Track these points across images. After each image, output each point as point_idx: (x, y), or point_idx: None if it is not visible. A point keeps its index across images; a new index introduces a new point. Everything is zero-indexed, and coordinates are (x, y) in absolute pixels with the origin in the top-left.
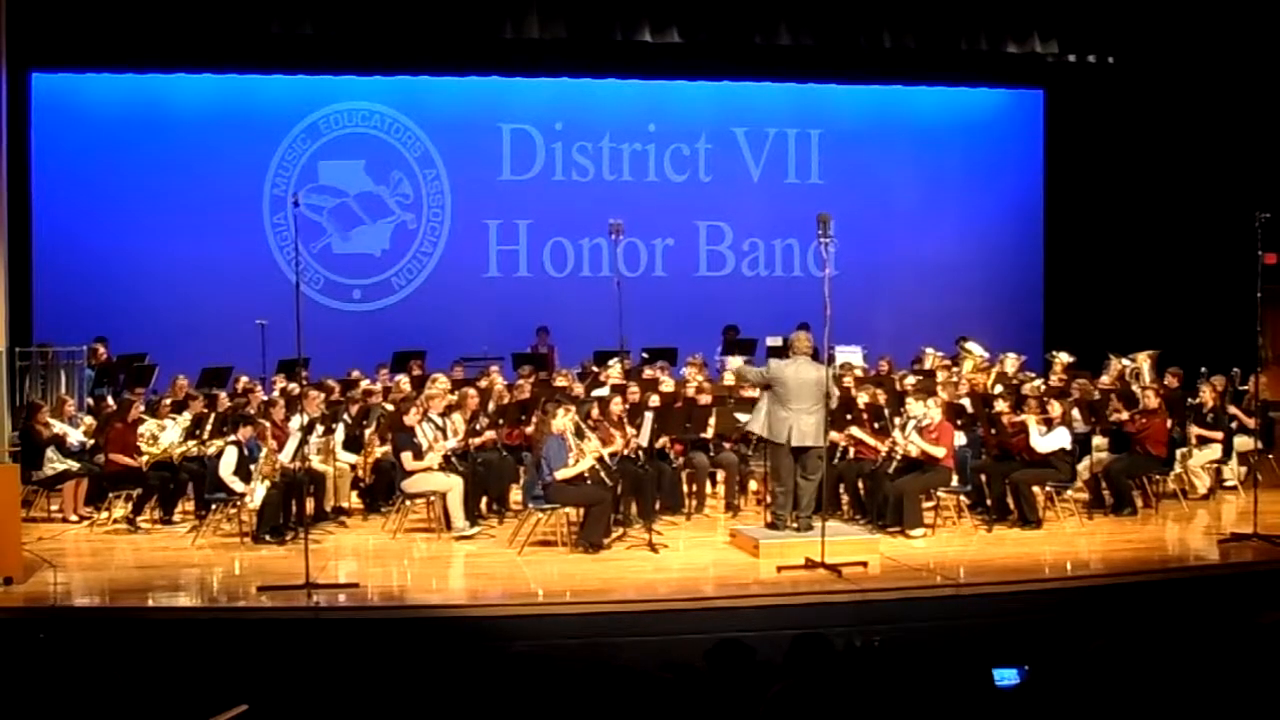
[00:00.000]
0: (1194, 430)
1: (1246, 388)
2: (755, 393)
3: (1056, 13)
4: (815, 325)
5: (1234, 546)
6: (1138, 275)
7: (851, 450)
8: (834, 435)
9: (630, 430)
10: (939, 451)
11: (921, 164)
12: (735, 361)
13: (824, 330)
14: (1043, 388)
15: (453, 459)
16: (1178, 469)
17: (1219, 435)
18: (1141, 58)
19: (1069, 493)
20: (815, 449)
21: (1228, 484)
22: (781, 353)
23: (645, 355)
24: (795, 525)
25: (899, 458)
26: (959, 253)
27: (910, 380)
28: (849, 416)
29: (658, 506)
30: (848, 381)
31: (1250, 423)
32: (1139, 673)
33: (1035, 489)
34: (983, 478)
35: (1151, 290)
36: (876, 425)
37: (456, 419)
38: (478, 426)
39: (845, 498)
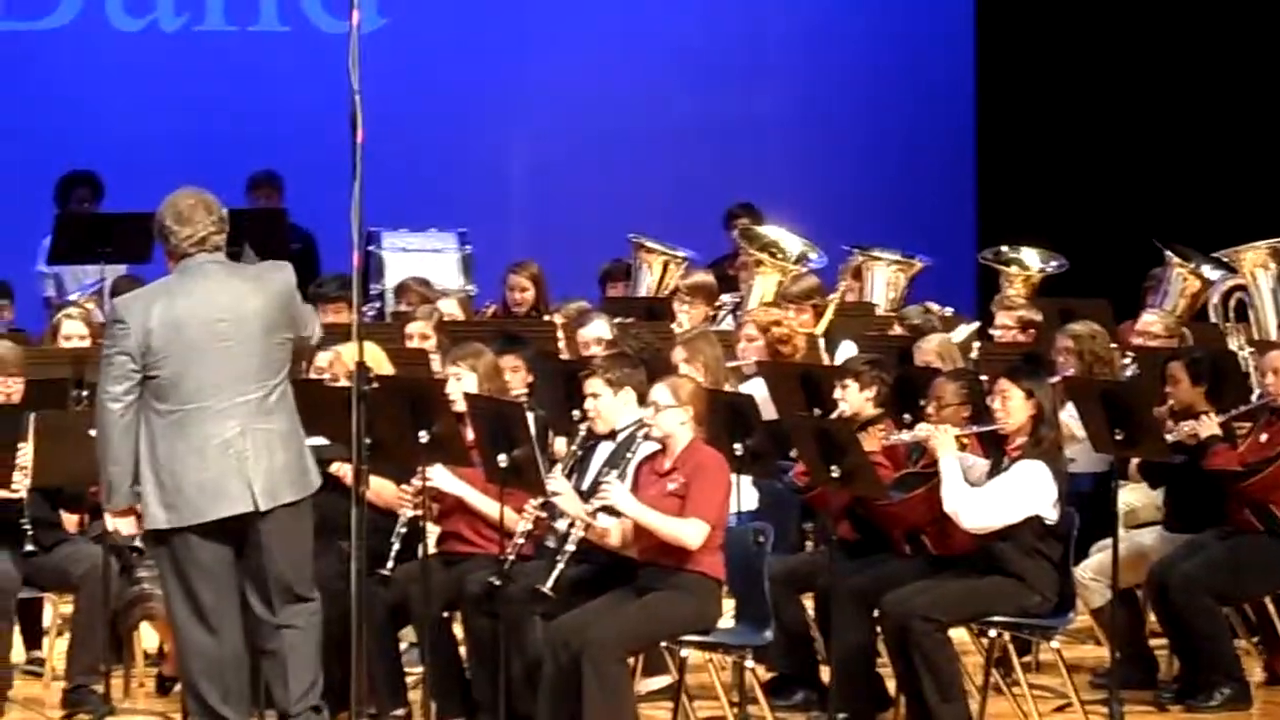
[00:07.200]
0: None
1: None
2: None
3: None
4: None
5: None
6: (1199, 76)
7: (427, 524)
8: (384, 489)
9: None
10: (686, 531)
11: None
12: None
13: (352, 192)
14: (975, 348)
15: None
16: None
17: None
18: None
19: (1055, 641)
20: (287, 508)
21: None
22: (131, 250)
23: None
24: None
25: (571, 549)
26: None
27: (593, 333)
28: (418, 437)
29: None
30: (417, 336)
31: None
32: None
33: (958, 633)
34: (809, 608)
35: (1239, 98)
36: (503, 456)
37: None
38: None
39: (423, 666)
